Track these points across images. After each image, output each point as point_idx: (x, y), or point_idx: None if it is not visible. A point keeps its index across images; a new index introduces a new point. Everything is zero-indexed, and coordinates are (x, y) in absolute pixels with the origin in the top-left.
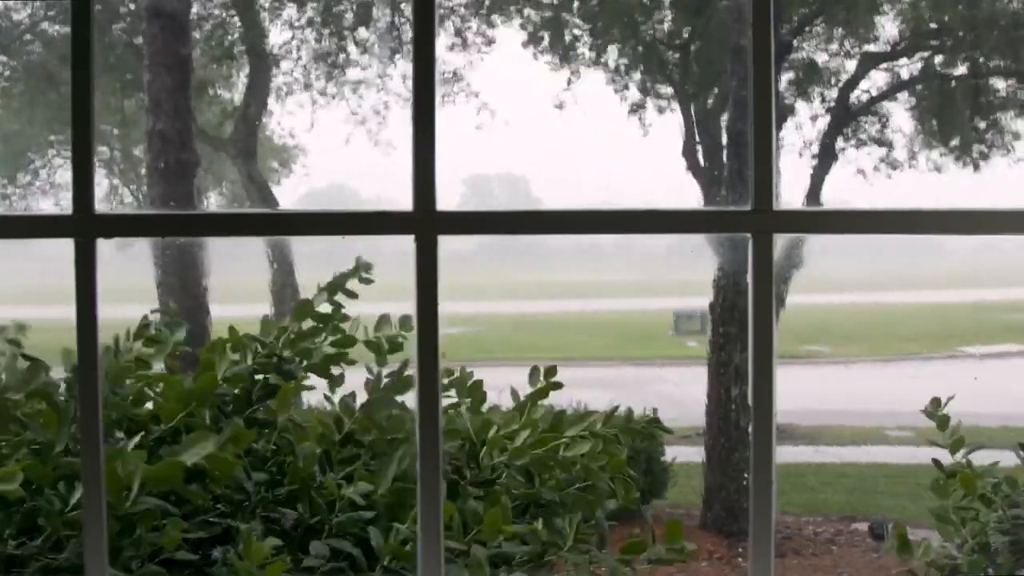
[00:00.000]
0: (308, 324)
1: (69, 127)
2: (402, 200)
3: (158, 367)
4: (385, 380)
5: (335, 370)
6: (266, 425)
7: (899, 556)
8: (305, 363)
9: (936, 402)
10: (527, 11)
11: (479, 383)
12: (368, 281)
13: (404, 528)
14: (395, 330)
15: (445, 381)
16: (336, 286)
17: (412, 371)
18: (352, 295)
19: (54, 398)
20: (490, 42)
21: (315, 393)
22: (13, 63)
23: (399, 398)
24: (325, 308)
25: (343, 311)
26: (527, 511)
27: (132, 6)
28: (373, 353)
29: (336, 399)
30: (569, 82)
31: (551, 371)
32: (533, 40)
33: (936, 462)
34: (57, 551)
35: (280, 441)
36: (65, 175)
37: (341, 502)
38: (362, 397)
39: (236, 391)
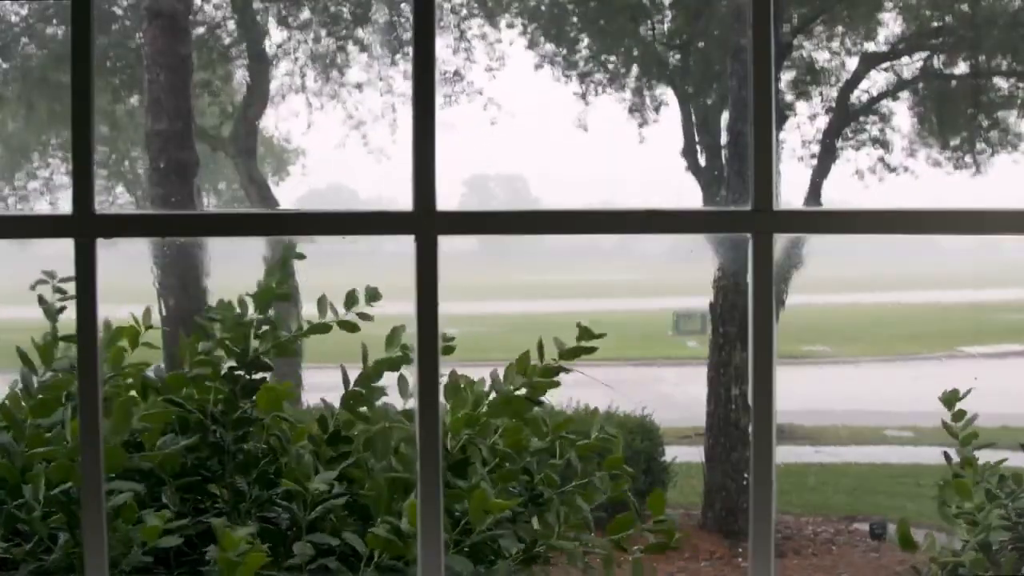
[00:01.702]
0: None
1: (62, 129)
2: (402, 200)
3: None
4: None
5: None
6: (253, 423)
7: (903, 550)
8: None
9: (955, 393)
10: (528, 13)
11: (472, 384)
12: None
13: (398, 524)
14: (363, 304)
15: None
16: (287, 256)
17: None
18: (300, 257)
19: None
20: (490, 44)
21: (314, 394)
22: (6, 65)
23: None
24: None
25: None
26: (525, 508)
27: (127, 7)
28: (346, 331)
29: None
30: (569, 83)
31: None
32: (533, 42)
33: (946, 455)
34: (46, 552)
35: (271, 439)
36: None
37: (311, 497)
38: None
39: (221, 396)
